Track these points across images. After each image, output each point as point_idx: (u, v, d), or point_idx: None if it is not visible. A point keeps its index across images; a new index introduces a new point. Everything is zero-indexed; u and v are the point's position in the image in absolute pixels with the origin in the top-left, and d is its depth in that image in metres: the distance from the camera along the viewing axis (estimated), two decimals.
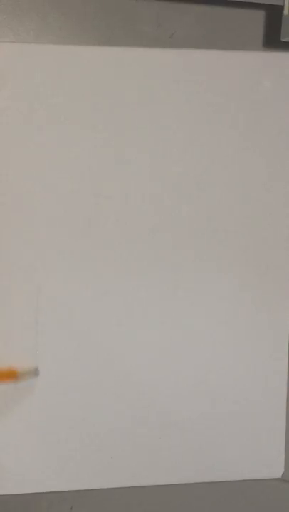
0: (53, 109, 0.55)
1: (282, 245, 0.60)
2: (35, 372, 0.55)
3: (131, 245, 0.58)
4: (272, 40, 0.58)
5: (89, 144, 0.56)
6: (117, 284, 0.57)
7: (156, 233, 0.58)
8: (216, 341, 0.59)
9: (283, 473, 0.62)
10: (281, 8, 0.56)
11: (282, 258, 0.60)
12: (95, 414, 0.58)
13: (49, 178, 0.56)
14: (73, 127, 0.56)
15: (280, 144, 0.60)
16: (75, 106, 0.56)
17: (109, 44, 0.56)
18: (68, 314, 0.57)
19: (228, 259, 0.59)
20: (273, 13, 0.58)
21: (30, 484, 0.57)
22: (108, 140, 0.57)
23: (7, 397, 0.56)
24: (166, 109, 0.57)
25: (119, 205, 0.57)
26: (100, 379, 0.57)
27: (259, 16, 0.59)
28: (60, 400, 0.57)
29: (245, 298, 0.60)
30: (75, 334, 0.57)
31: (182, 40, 0.57)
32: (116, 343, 0.58)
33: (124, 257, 0.57)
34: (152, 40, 0.57)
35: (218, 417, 0.60)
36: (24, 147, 0.55)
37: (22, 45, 0.55)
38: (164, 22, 0.57)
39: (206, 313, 0.59)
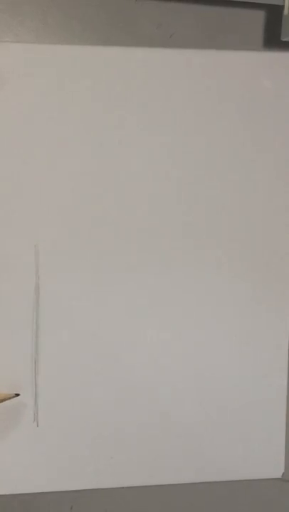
0: (53, 109, 0.55)
1: (282, 245, 0.60)
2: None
3: (131, 245, 0.57)
4: (272, 40, 0.58)
5: (89, 143, 0.56)
6: (116, 285, 0.57)
7: (157, 234, 0.58)
8: (216, 342, 0.59)
9: (283, 473, 0.62)
10: (281, 8, 0.56)
11: (282, 258, 0.60)
12: (95, 414, 0.58)
13: (49, 178, 0.56)
14: (73, 127, 0.56)
15: (280, 144, 0.60)
16: (75, 106, 0.56)
17: (109, 44, 0.56)
18: (69, 314, 0.57)
19: (229, 259, 0.59)
20: (273, 13, 0.58)
21: (30, 484, 0.57)
22: (108, 140, 0.57)
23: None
24: (166, 108, 0.57)
25: (119, 205, 0.57)
26: (100, 379, 0.57)
27: (259, 16, 0.59)
28: (60, 400, 0.57)
29: (245, 298, 0.60)
30: (75, 334, 0.57)
31: (182, 40, 0.57)
32: (116, 344, 0.58)
33: (123, 257, 0.57)
34: (152, 40, 0.57)
35: (218, 417, 0.60)
36: (24, 147, 0.55)
37: (22, 45, 0.55)
38: (164, 22, 0.57)
39: (207, 313, 0.59)
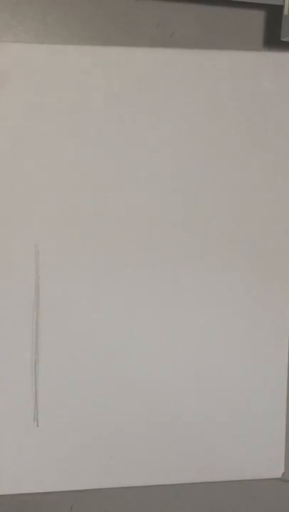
0: (53, 109, 0.55)
1: (282, 245, 0.60)
2: None
3: (131, 245, 0.57)
4: (272, 40, 0.58)
5: (89, 143, 0.56)
6: (116, 285, 0.57)
7: (157, 234, 0.58)
8: (217, 342, 0.59)
9: (283, 473, 0.62)
10: (281, 8, 0.56)
11: (282, 258, 0.60)
12: (95, 414, 0.58)
13: (49, 178, 0.56)
14: (73, 127, 0.56)
15: (280, 144, 0.60)
16: (75, 106, 0.56)
17: (109, 44, 0.56)
18: (69, 314, 0.57)
19: (229, 259, 0.59)
20: (273, 13, 0.58)
21: (30, 484, 0.57)
22: (108, 139, 0.57)
23: (6, 398, 0.56)
24: (166, 109, 0.57)
25: (120, 205, 0.57)
26: (100, 379, 0.57)
27: (259, 16, 0.59)
28: (60, 400, 0.57)
29: (245, 298, 0.60)
30: (75, 335, 0.57)
31: (182, 40, 0.57)
32: (116, 344, 0.58)
33: (123, 257, 0.57)
34: (152, 40, 0.57)
35: (218, 417, 0.60)
36: (24, 147, 0.55)
37: (22, 45, 0.55)
38: (164, 22, 0.57)
39: (207, 313, 0.59)
